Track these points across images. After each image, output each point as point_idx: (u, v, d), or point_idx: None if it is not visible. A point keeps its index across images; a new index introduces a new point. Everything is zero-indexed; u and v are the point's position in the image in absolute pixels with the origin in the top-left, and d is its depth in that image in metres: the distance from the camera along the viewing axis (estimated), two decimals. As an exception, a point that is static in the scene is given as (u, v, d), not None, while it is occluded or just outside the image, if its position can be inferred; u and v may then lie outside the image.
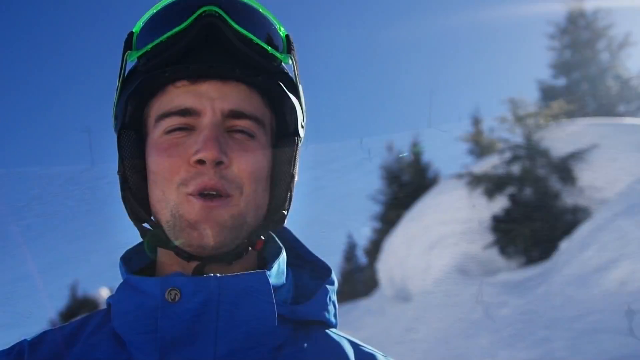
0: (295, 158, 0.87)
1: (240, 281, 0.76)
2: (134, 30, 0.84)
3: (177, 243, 0.79)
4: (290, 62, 0.86)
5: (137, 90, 0.81)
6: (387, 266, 13.00)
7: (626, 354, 4.43)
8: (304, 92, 0.90)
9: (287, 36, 0.87)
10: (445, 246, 11.79)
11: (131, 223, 0.87)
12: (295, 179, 0.88)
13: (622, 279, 6.20)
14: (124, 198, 0.84)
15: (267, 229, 0.86)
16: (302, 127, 0.89)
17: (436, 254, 11.80)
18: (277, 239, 0.91)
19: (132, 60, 0.84)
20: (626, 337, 4.78)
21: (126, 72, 0.85)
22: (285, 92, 0.83)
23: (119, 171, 0.84)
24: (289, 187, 0.86)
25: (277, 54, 0.83)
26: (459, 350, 6.75)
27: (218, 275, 0.75)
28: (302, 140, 0.90)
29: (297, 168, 0.88)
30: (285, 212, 0.87)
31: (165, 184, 0.79)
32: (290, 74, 0.88)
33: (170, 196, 0.79)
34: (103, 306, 0.84)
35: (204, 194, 0.77)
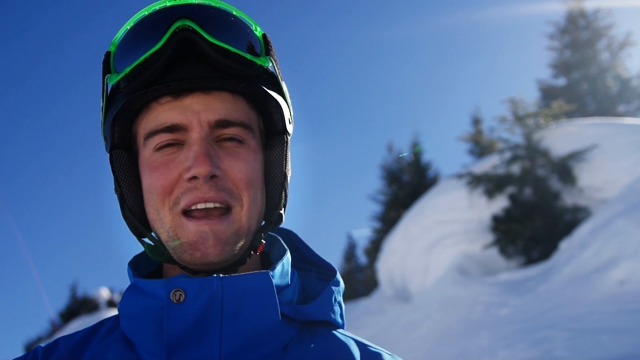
0: (286, 156, 0.88)
1: (243, 281, 0.76)
2: (110, 50, 0.84)
3: (180, 262, 0.80)
4: (270, 63, 0.85)
5: (122, 111, 0.81)
6: (387, 266, 13.00)
7: (626, 353, 4.43)
8: (289, 87, 0.90)
9: (263, 36, 0.86)
10: (445, 246, 11.79)
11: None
12: (289, 176, 0.88)
13: (622, 279, 6.21)
14: (124, 216, 0.85)
15: (267, 230, 0.86)
16: (290, 122, 0.89)
17: (436, 254, 11.80)
18: (282, 241, 0.92)
19: (112, 84, 0.83)
20: (626, 336, 4.78)
21: (109, 92, 0.85)
22: (269, 93, 0.83)
23: (115, 190, 0.85)
24: (282, 186, 0.87)
25: (256, 59, 0.82)
26: (459, 350, 6.76)
27: (221, 275, 0.76)
28: (290, 135, 0.90)
29: (289, 165, 0.89)
30: (282, 212, 0.87)
31: (159, 204, 0.79)
32: (271, 73, 0.87)
33: (165, 217, 0.79)
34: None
35: (199, 209, 0.77)
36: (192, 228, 0.77)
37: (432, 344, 7.77)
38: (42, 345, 0.84)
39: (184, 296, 0.75)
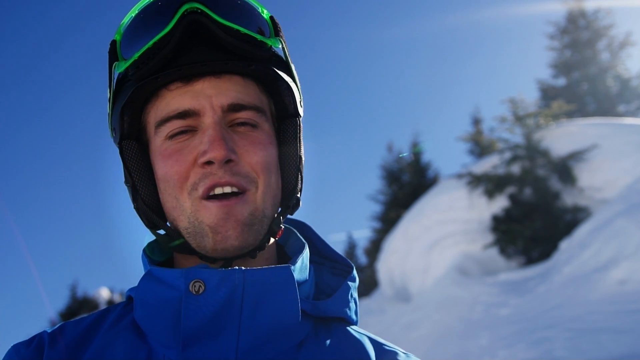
0: (299, 139, 0.86)
1: (265, 275, 0.74)
2: (116, 39, 0.82)
3: (199, 250, 0.77)
4: (280, 44, 0.84)
5: (131, 99, 0.79)
6: (387, 266, 12.99)
7: (626, 353, 4.43)
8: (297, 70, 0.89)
9: (271, 18, 0.85)
10: (445, 246, 11.79)
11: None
12: (303, 159, 0.87)
13: (622, 279, 6.21)
14: (136, 208, 0.83)
15: (285, 214, 0.84)
16: (301, 105, 0.88)
17: (436, 254, 11.80)
18: (299, 235, 0.90)
19: (121, 72, 0.81)
20: (626, 336, 4.78)
21: (116, 82, 0.83)
22: (280, 75, 0.82)
23: (126, 182, 0.83)
24: (298, 169, 0.85)
25: (266, 40, 0.81)
26: (459, 350, 6.75)
27: (243, 268, 0.74)
28: (302, 117, 0.89)
29: (302, 149, 0.87)
30: (299, 196, 0.86)
31: (176, 191, 0.77)
32: (281, 55, 0.86)
33: (184, 204, 0.77)
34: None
35: (217, 195, 0.76)
36: (213, 210, 0.75)
37: (432, 344, 7.77)
38: (48, 330, 0.82)
39: (203, 287, 0.72)
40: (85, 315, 0.86)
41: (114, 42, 0.82)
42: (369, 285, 21.43)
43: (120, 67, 0.80)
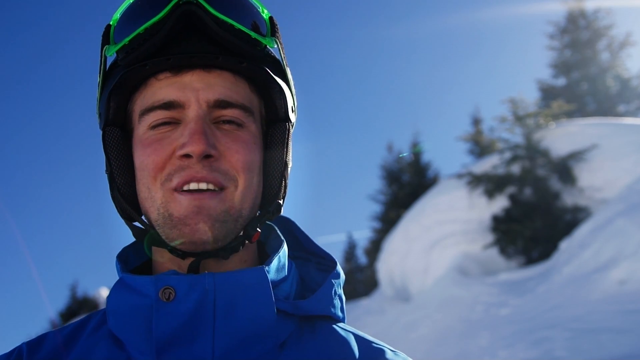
0: (287, 144, 0.83)
1: (236, 278, 0.73)
2: (111, 23, 0.80)
3: (169, 242, 0.75)
4: (276, 45, 0.82)
5: (119, 85, 0.78)
6: (387, 266, 13.00)
7: (626, 353, 4.43)
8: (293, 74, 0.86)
9: (270, 18, 0.82)
10: (445, 246, 11.80)
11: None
12: (289, 166, 0.84)
13: (622, 279, 6.21)
14: (113, 198, 0.81)
15: (264, 219, 0.82)
16: (293, 111, 0.85)
17: (436, 254, 11.80)
18: (279, 232, 0.87)
19: (110, 55, 0.79)
20: (626, 336, 4.78)
21: (107, 67, 0.81)
22: (272, 76, 0.80)
23: (106, 170, 0.81)
24: (282, 175, 0.83)
25: (261, 39, 0.79)
26: (459, 350, 6.75)
27: (213, 272, 0.73)
28: (293, 124, 0.86)
29: (290, 155, 0.84)
30: (280, 202, 0.84)
31: (150, 181, 0.76)
32: (277, 57, 0.84)
33: (155, 194, 0.75)
34: (103, 306, 0.82)
35: (191, 190, 0.74)
36: (184, 203, 0.73)
37: (432, 344, 7.77)
38: (27, 341, 0.81)
39: (173, 294, 0.71)
40: (69, 323, 0.85)
41: (108, 27, 0.81)
42: (369, 285, 21.43)
43: (110, 51, 0.79)
